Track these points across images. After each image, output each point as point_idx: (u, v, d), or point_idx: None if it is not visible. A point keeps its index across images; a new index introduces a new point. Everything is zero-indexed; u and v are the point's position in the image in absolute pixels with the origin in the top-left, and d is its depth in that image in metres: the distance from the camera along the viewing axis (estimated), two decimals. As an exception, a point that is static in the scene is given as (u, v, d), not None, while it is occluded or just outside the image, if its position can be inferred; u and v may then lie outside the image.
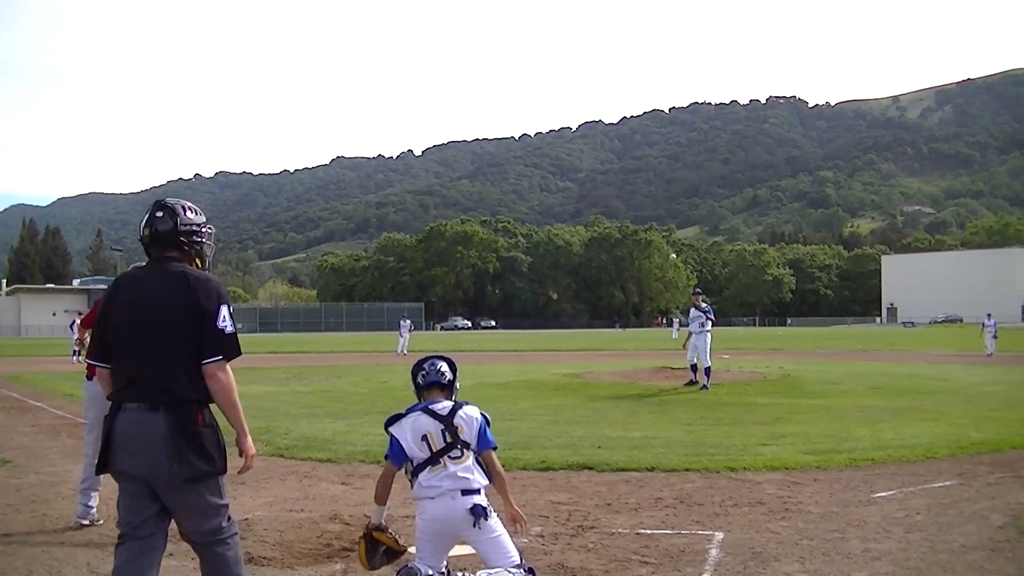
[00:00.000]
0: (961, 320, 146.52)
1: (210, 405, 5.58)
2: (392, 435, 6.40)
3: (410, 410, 6.48)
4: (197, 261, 5.86)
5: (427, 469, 6.25)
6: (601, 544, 8.24)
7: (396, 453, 6.35)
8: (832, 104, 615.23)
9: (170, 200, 5.91)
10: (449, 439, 6.27)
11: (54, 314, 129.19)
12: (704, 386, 24.56)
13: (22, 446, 15.01)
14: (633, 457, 12.81)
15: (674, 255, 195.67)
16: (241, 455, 5.72)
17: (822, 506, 9.66)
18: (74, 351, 43.91)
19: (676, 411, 19.32)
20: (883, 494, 10.22)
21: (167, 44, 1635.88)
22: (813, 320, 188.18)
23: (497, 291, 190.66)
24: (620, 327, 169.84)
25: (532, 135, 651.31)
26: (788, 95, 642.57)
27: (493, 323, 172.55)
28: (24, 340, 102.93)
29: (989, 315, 48.19)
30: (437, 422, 6.30)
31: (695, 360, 25.59)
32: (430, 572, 6.22)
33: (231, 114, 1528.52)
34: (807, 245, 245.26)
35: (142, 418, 5.38)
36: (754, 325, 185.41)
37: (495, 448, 6.47)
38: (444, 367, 6.67)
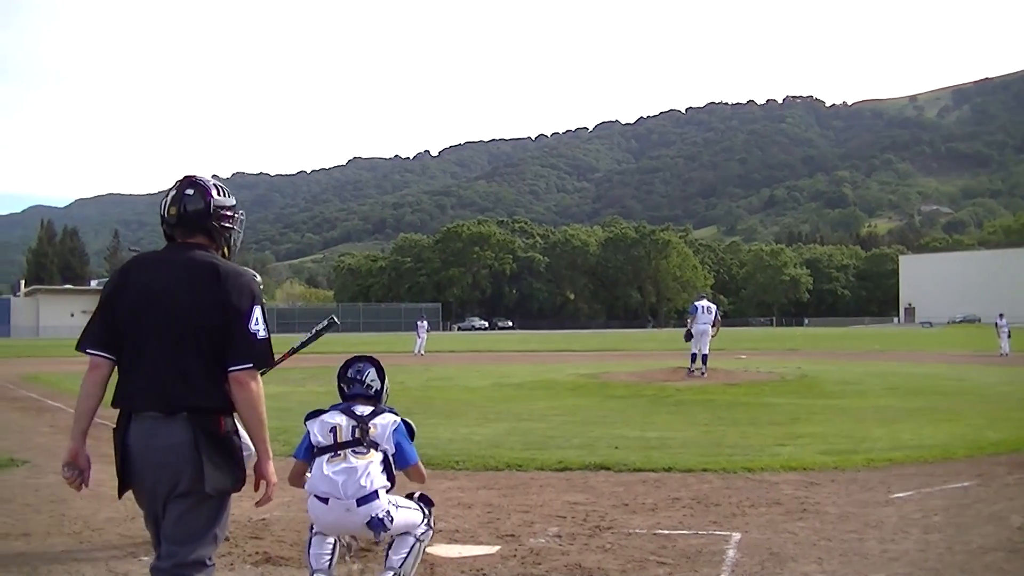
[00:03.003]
0: (979, 320, 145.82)
1: (232, 415, 4.91)
2: (307, 430, 6.32)
3: (333, 407, 6.41)
4: (225, 249, 5.19)
5: (326, 457, 6.15)
6: (618, 544, 8.23)
7: (303, 448, 6.31)
8: (849, 104, 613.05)
9: (200, 177, 5.15)
10: (357, 435, 6.17)
11: (72, 315, 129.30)
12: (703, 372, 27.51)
13: (41, 446, 15.04)
14: (650, 457, 12.80)
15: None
16: (257, 486, 5.05)
17: (840, 507, 9.64)
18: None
19: (693, 411, 19.32)
20: (901, 495, 10.19)
21: (184, 45, 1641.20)
22: (830, 320, 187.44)
23: (514, 291, 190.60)
24: (653, 326, 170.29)
25: (549, 135, 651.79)
26: (805, 95, 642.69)
27: (510, 323, 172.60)
28: (42, 340, 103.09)
29: (1001, 315, 48.06)
30: (351, 419, 6.23)
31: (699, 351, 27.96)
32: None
33: (248, 115, 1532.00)
34: (824, 245, 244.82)
35: (159, 428, 4.73)
36: (771, 325, 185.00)
37: (415, 463, 6.39)
38: (371, 375, 6.56)
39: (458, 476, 11.76)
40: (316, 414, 6.40)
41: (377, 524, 6.06)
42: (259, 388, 4.85)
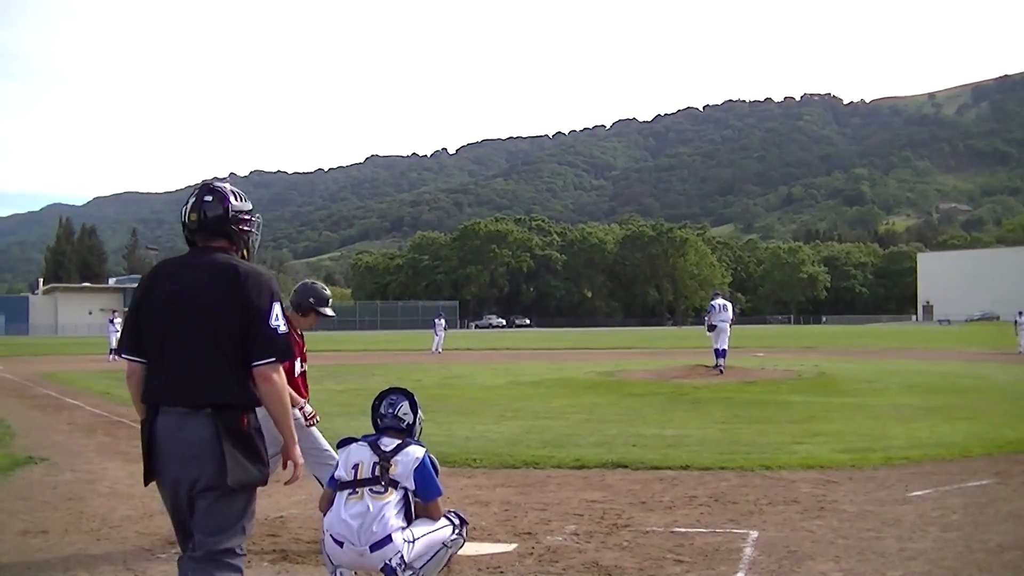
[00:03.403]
0: (998, 318, 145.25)
1: (255, 409, 5.14)
2: (337, 458, 6.46)
3: (364, 438, 6.49)
4: (244, 252, 5.45)
5: (345, 494, 6.22)
6: (635, 542, 8.23)
7: (331, 477, 6.45)
8: (867, 101, 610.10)
9: (218, 183, 5.44)
10: (377, 473, 6.22)
11: (90, 313, 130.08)
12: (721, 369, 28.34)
13: (59, 444, 15.13)
14: (667, 455, 12.80)
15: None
16: (284, 465, 5.36)
17: (857, 505, 9.63)
18: (111, 349, 44.23)
19: (710, 409, 19.31)
20: (919, 493, 10.16)
21: (203, 43, 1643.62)
22: (848, 318, 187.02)
23: (531, 289, 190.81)
24: (672, 324, 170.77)
25: (566, 133, 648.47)
26: (823, 92, 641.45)
27: (527, 321, 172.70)
28: (60, 339, 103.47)
29: (1021, 312, 47.86)
30: (374, 455, 6.28)
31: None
32: None
33: (265, 113, 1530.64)
34: (842, 243, 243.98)
35: (184, 422, 4.92)
36: (789, 323, 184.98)
37: (434, 499, 6.39)
38: (404, 408, 6.63)
39: (475, 474, 11.79)
40: (348, 442, 6.49)
41: (390, 572, 6.09)
42: (282, 380, 5.09)
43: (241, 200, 5.42)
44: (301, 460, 5.38)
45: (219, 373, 4.98)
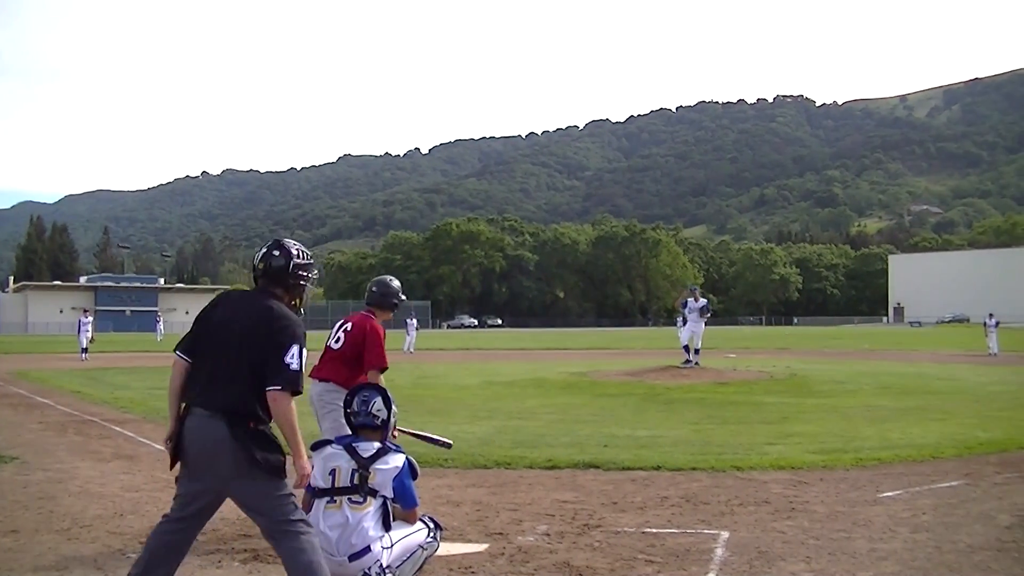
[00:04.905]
0: (968, 320, 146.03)
1: (260, 420, 5.91)
2: (312, 463, 6.42)
3: (338, 440, 6.59)
4: (297, 300, 6.34)
5: (324, 503, 6.32)
6: (607, 543, 8.24)
7: (309, 485, 6.38)
8: (840, 103, 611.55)
9: (287, 240, 6.46)
10: (356, 481, 6.30)
11: (61, 311, 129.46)
12: (689, 361, 29.44)
13: (30, 443, 15.02)
14: (639, 456, 12.82)
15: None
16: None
17: (828, 506, 9.66)
18: (82, 348, 44.02)
19: (683, 410, 19.34)
20: (889, 494, 10.22)
21: (174, 42, 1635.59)
22: (820, 319, 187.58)
23: (504, 289, 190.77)
24: (652, 324, 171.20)
25: (539, 133, 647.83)
26: (795, 94, 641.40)
27: (499, 321, 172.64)
28: (31, 337, 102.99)
29: (991, 315, 48.35)
30: (352, 462, 6.36)
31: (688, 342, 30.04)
32: None
33: (238, 112, 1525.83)
34: (814, 244, 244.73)
35: (206, 423, 5.77)
36: (761, 324, 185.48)
37: (412, 509, 6.56)
38: (378, 404, 6.74)
39: (447, 474, 11.78)
40: (322, 444, 6.57)
41: None
42: (289, 404, 5.82)
43: (304, 258, 6.37)
44: (308, 469, 5.98)
45: (242, 390, 5.83)
